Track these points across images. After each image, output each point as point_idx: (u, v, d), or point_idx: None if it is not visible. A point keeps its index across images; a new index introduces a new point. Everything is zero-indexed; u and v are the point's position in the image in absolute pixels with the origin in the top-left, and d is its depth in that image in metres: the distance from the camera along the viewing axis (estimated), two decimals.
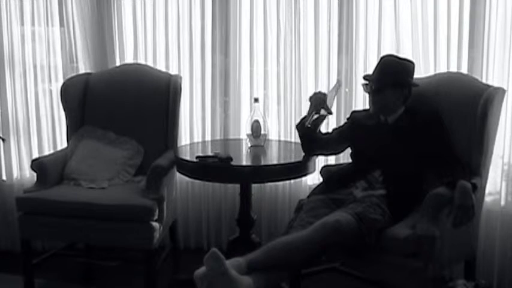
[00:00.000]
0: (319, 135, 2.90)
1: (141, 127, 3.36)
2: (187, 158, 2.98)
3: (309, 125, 2.77)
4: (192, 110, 3.62)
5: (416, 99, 2.76)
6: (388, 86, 2.67)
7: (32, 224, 2.99)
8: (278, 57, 3.50)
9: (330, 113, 2.78)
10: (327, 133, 3.01)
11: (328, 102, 2.74)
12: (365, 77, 2.78)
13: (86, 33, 3.62)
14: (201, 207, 3.66)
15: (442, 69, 3.16)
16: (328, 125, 3.35)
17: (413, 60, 2.78)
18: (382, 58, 2.77)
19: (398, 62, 2.73)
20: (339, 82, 2.87)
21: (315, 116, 2.76)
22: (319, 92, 2.78)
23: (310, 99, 2.78)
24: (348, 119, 2.95)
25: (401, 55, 3.00)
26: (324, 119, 2.83)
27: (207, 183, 3.52)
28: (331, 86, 2.92)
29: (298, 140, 2.95)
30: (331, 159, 3.33)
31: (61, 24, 3.63)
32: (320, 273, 3.11)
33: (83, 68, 3.65)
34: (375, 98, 2.71)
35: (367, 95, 2.81)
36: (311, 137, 2.86)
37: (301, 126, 2.86)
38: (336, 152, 3.08)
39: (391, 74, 2.68)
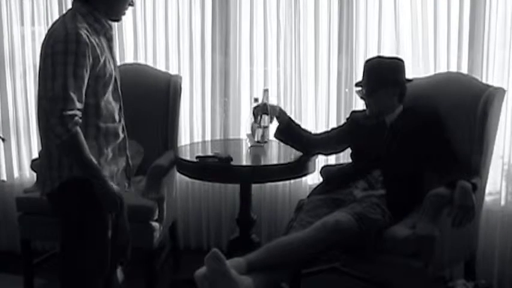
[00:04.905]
0: (305, 135, 2.93)
1: (141, 127, 3.34)
2: (187, 158, 2.98)
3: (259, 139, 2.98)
4: (192, 110, 3.62)
5: (416, 99, 2.76)
6: (376, 88, 2.67)
7: (32, 224, 2.99)
8: (278, 57, 3.50)
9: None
10: (326, 132, 3.01)
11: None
12: (357, 84, 2.80)
13: None
14: (201, 207, 3.66)
15: (442, 69, 3.15)
16: (328, 125, 3.36)
17: (408, 58, 2.79)
18: (366, 62, 2.77)
19: (383, 62, 2.73)
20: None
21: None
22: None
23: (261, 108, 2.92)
24: (347, 119, 2.96)
25: (401, 55, 3.01)
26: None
27: (207, 183, 3.52)
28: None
29: None
30: (331, 159, 3.33)
31: None
32: (320, 273, 3.11)
33: None
34: (367, 101, 2.72)
35: None
36: (295, 139, 2.92)
37: (278, 133, 2.95)
38: (335, 152, 3.08)
39: (377, 76, 2.68)
